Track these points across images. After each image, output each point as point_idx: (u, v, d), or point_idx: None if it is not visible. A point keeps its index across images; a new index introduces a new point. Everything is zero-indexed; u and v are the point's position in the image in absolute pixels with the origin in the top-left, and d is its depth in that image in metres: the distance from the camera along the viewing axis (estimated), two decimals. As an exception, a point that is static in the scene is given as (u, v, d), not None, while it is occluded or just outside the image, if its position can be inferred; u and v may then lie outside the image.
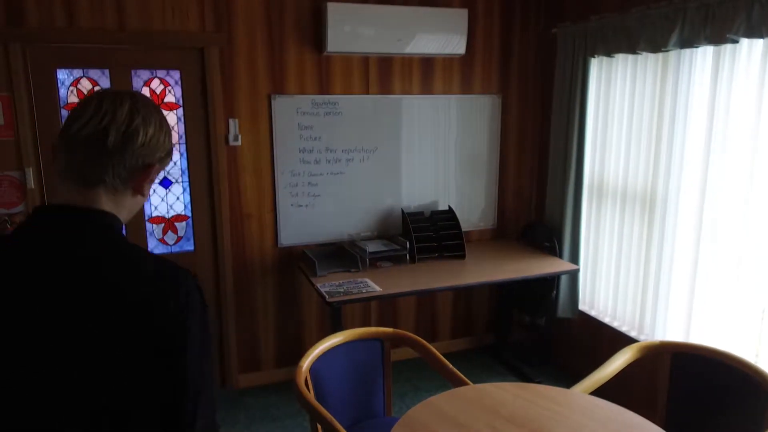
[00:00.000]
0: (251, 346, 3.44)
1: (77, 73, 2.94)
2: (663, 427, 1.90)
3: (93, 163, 0.92)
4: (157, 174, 1.01)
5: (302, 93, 3.28)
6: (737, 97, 2.48)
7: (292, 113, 3.28)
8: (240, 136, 3.22)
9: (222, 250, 3.27)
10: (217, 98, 3.12)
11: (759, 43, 2.38)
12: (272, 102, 3.23)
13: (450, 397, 1.91)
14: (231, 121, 3.20)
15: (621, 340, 3.08)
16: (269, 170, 3.30)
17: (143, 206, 3.09)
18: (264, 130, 3.26)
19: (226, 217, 3.25)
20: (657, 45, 2.74)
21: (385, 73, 3.44)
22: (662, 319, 2.90)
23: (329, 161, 3.41)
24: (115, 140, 0.92)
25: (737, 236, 2.53)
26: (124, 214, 0.99)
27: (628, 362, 2.18)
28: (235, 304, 3.35)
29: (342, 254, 3.39)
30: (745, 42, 2.42)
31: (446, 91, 3.59)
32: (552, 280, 3.39)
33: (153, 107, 0.99)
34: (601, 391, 2.00)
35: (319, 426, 2.01)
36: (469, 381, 2.07)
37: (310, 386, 2.06)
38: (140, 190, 0.99)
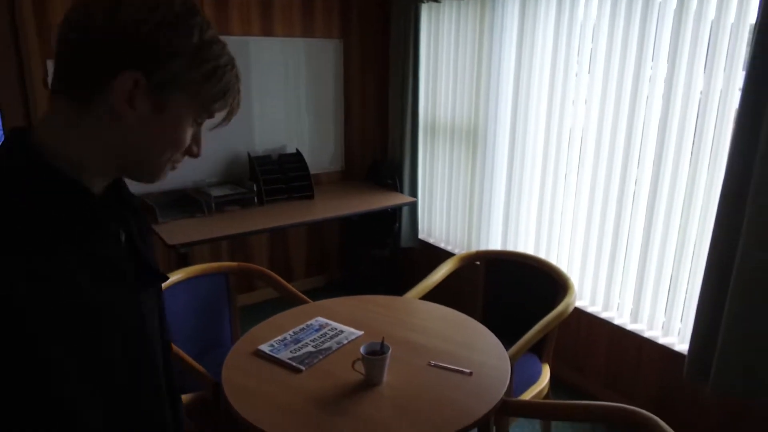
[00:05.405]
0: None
1: None
2: (482, 320, 2.22)
3: None
4: None
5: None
6: (540, 38, 2.83)
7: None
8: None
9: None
10: (30, 36, 2.84)
11: (551, -12, 2.73)
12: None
13: (290, 314, 2.05)
14: (49, 62, 2.94)
15: (455, 261, 3.45)
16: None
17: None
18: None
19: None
20: (473, -11, 3.00)
21: (221, 11, 3.36)
22: (486, 237, 3.30)
23: (166, 105, 3.28)
24: None
25: (540, 159, 2.94)
26: None
27: (451, 270, 2.48)
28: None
29: (186, 201, 3.32)
30: (541, -13, 2.76)
31: (288, 34, 3.61)
32: (394, 214, 3.66)
33: None
34: (434, 298, 2.24)
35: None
36: (309, 299, 2.22)
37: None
38: None
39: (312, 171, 3.67)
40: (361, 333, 1.89)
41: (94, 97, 0.67)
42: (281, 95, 3.66)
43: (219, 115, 0.78)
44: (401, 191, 3.72)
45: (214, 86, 0.73)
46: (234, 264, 2.43)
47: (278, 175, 3.50)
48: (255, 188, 3.36)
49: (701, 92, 2.21)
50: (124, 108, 0.67)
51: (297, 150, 3.69)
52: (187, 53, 0.68)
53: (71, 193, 0.66)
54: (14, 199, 0.62)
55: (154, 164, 0.74)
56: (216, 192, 3.25)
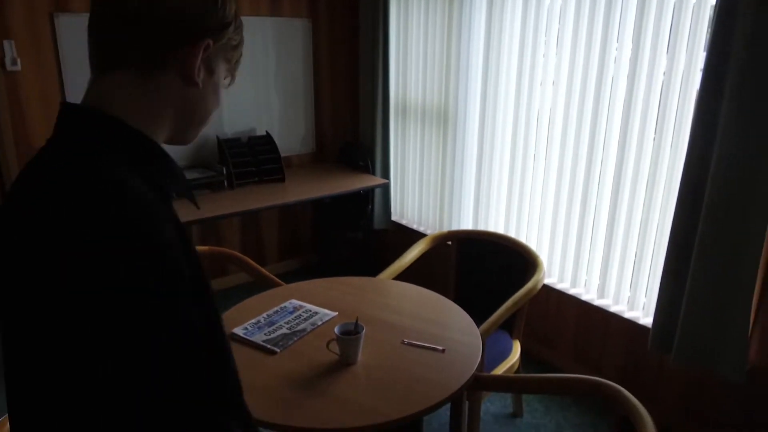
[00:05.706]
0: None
1: None
2: (454, 298, 2.26)
3: None
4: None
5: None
6: (508, 19, 2.84)
7: (83, 34, 2.99)
8: (19, 60, 2.87)
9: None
10: (-18, 14, 2.73)
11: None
12: (55, 21, 2.91)
13: (264, 297, 2.04)
14: (6, 42, 2.83)
15: (427, 242, 3.49)
16: (60, 98, 3.01)
17: None
18: (48, 53, 2.94)
19: (12, 154, 2.92)
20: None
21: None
22: (457, 217, 3.34)
23: (131, 87, 3.20)
24: None
25: (509, 140, 2.97)
26: None
27: (423, 251, 2.51)
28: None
29: (155, 185, 3.26)
30: (509, -32, 2.76)
31: (254, 12, 3.54)
32: (366, 196, 3.66)
33: None
34: (407, 278, 2.27)
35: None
36: (282, 282, 2.22)
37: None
38: None
39: (282, 153, 3.64)
40: (335, 314, 1.91)
41: (162, 66, 0.70)
42: (249, 76, 3.60)
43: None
44: (373, 173, 3.72)
45: (240, 50, 0.81)
46: (205, 248, 2.41)
47: (248, 158, 3.46)
48: (225, 171, 3.32)
49: (664, 73, 2.27)
50: (198, 73, 0.73)
51: (267, 132, 3.65)
52: (233, 21, 0.76)
53: (162, 156, 0.72)
54: (122, 161, 0.65)
55: (204, 124, 0.81)
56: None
